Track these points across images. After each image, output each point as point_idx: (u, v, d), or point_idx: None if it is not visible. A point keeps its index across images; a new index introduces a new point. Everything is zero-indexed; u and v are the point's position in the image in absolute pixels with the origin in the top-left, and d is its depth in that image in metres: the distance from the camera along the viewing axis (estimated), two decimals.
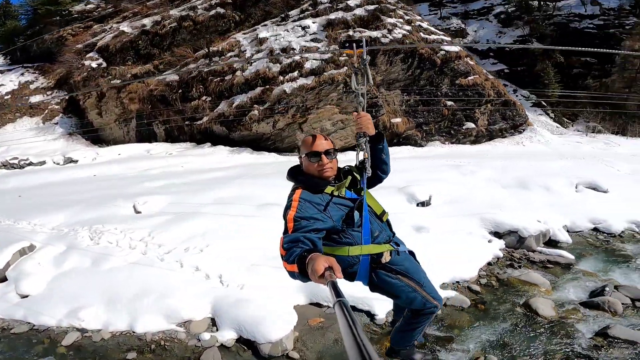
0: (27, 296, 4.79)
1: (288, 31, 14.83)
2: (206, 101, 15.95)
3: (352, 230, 1.79)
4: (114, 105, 19.18)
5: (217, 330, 3.99)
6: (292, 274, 1.55)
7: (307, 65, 13.49)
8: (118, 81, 18.64)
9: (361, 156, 1.97)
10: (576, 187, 9.63)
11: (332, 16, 14.52)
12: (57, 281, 5.08)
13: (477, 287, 5.03)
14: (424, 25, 16.58)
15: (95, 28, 21.80)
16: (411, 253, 2.01)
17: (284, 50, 14.21)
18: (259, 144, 14.94)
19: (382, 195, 7.78)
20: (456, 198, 8.21)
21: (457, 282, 5.09)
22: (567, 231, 7.43)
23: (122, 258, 5.55)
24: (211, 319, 4.18)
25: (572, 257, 6.28)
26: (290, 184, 1.93)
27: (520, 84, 23.76)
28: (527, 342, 3.79)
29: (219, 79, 15.05)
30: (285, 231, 1.66)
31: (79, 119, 20.36)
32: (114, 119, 19.48)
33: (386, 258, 1.84)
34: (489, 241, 6.53)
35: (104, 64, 19.26)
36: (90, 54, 19.47)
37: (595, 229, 7.74)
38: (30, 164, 14.37)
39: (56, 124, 19.52)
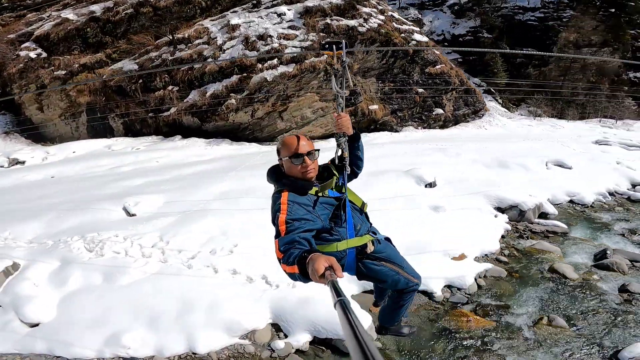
0: (37, 325, 4.09)
1: (262, 18, 14.24)
2: (173, 91, 14.83)
3: (339, 227, 1.86)
4: (59, 98, 17.05)
5: (285, 335, 3.77)
6: (292, 276, 1.54)
7: (288, 52, 13.13)
8: (63, 72, 16.55)
9: (339, 153, 2.04)
10: (546, 165, 10.69)
11: (309, 3, 14.22)
12: (68, 303, 4.40)
13: (504, 258, 5.42)
14: (396, 15, 16.96)
15: (30, 17, 19.04)
16: (387, 239, 2.13)
17: (261, 37, 13.64)
18: (235, 134, 14.29)
19: (391, 179, 7.85)
20: (452, 178, 8.65)
21: (486, 255, 5.43)
22: (552, 204, 8.25)
23: (140, 269, 4.95)
24: (272, 324, 3.92)
25: (565, 226, 6.99)
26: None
27: (472, 73, 25.45)
28: (571, 301, 4.19)
29: (187, 67, 14.05)
30: (278, 234, 1.65)
31: (15, 115, 17.83)
32: (58, 113, 17.33)
33: (370, 248, 1.94)
34: (495, 216, 7.02)
35: (44, 54, 16.95)
36: (27, 44, 17.02)
37: (572, 201, 8.69)
38: None
39: None
